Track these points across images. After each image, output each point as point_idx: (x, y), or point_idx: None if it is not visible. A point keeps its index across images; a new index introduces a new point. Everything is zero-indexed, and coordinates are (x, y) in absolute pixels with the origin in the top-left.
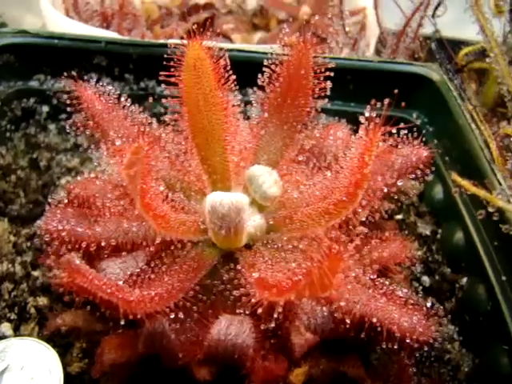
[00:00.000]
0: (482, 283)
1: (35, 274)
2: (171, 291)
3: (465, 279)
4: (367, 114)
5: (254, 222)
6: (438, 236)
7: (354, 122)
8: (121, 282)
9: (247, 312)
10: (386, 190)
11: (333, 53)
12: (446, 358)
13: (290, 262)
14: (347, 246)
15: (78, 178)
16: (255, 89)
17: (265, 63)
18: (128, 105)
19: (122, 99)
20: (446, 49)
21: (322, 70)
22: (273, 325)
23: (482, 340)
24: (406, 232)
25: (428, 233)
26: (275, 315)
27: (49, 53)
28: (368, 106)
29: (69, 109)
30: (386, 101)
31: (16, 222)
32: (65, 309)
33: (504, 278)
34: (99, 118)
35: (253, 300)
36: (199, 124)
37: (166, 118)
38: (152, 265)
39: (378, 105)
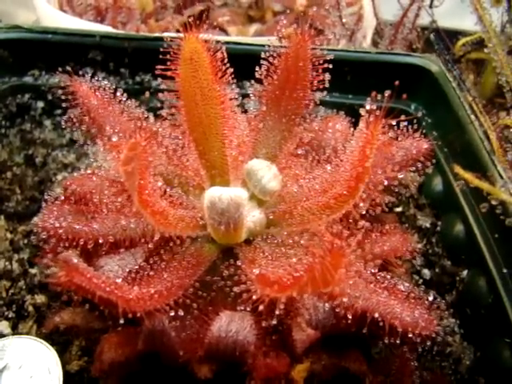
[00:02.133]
0: (482, 276)
1: (33, 271)
2: (171, 288)
3: (465, 272)
4: (368, 107)
5: (253, 216)
6: (438, 228)
7: (352, 114)
8: (119, 280)
9: (248, 308)
10: (386, 183)
11: (330, 44)
12: (447, 351)
13: (291, 257)
14: (349, 240)
15: (75, 174)
16: (253, 82)
17: (262, 56)
18: (124, 99)
19: (118, 94)
20: (443, 39)
21: (320, 62)
22: (274, 322)
23: (483, 333)
24: (406, 225)
25: (428, 225)
26: (277, 312)
27: (43, 48)
28: (368, 99)
29: (64, 104)
30: (386, 93)
31: (12, 218)
32: (63, 307)
33: (505, 270)
34: (95, 113)
35: (254, 297)
36: (196, 118)
37: (163, 112)
38: (151, 261)
39: (376, 97)
